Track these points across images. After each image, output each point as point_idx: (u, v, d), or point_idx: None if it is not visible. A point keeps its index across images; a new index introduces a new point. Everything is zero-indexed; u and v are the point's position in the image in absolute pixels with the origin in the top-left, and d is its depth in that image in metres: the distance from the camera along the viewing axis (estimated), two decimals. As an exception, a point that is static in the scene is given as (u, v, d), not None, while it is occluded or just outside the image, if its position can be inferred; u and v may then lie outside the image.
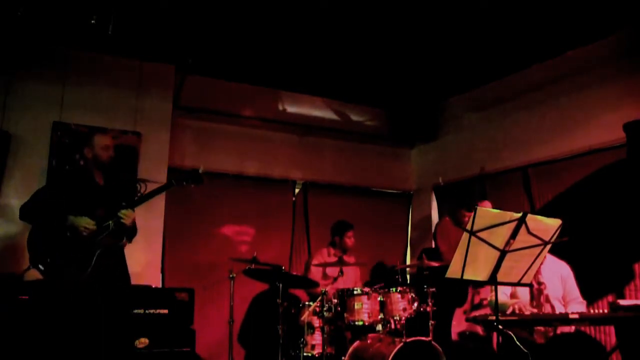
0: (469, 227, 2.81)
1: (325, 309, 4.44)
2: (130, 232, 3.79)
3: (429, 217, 6.99)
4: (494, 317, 3.02)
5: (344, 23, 4.89)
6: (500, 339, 3.11)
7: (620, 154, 4.66)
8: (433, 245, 6.76)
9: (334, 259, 5.39)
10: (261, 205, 6.26)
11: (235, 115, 6.24)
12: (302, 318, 4.56)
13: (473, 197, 5.52)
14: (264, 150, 6.44)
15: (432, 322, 4.43)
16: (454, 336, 4.91)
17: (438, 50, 5.40)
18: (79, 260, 3.55)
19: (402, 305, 4.48)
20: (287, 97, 6.59)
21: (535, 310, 3.67)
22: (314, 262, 5.41)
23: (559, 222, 2.95)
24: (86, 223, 3.56)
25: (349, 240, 5.47)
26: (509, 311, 3.49)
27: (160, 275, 5.51)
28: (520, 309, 3.51)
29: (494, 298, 2.99)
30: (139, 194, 3.84)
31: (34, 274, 3.68)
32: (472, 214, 2.79)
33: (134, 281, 4.13)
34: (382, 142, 7.20)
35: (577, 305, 3.80)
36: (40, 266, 3.55)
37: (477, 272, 2.94)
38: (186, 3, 4.57)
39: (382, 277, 5.86)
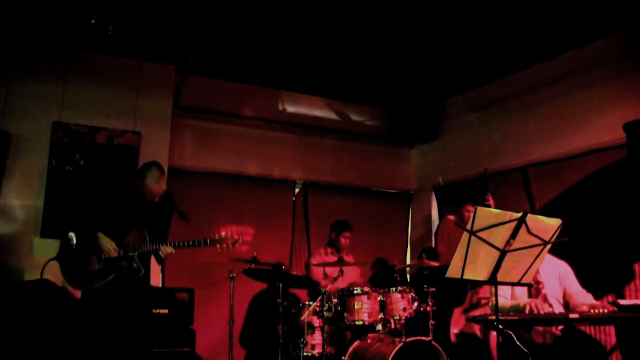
0: (469, 226, 2.81)
1: (325, 308, 4.44)
2: (161, 259, 3.80)
3: (429, 217, 6.99)
4: (493, 317, 3.02)
5: (344, 23, 4.89)
6: (500, 338, 3.10)
7: (620, 154, 4.66)
8: (433, 245, 6.76)
9: (332, 259, 5.39)
10: (261, 205, 6.26)
11: (235, 115, 6.24)
12: (302, 318, 4.56)
13: (474, 196, 5.51)
14: (264, 150, 6.44)
15: (432, 322, 4.43)
16: (452, 336, 4.92)
17: (438, 50, 5.40)
18: (95, 274, 3.56)
19: (402, 305, 4.48)
20: (287, 97, 6.59)
21: (551, 310, 3.61)
22: (313, 261, 5.41)
23: (559, 222, 2.94)
24: (110, 248, 3.59)
25: (344, 240, 5.48)
26: (527, 311, 3.43)
27: (160, 275, 5.50)
28: (537, 308, 3.44)
29: (494, 298, 2.98)
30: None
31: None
32: (474, 209, 2.78)
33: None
34: (382, 142, 7.20)
35: (584, 297, 3.75)
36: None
37: (477, 272, 2.94)
38: (186, 3, 4.57)
39: (382, 273, 5.86)
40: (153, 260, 3.88)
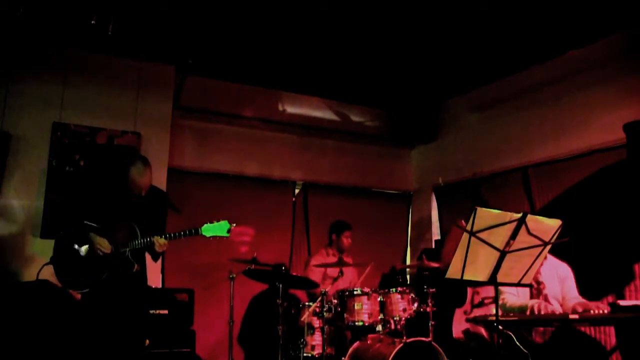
0: (469, 227, 2.81)
1: (325, 309, 4.44)
2: (157, 254, 3.75)
3: (429, 217, 6.99)
4: (493, 317, 3.02)
5: (344, 23, 4.89)
6: (501, 339, 3.10)
7: (621, 155, 4.66)
8: (433, 246, 6.75)
9: (333, 259, 5.39)
10: (261, 206, 6.25)
11: (235, 115, 6.24)
12: (302, 318, 4.56)
13: (473, 198, 5.51)
14: (264, 150, 6.43)
15: (432, 323, 4.43)
16: (455, 335, 4.91)
17: (438, 50, 5.40)
18: (87, 275, 3.55)
19: (402, 305, 4.48)
20: (287, 98, 6.59)
21: (559, 310, 3.58)
22: (314, 262, 5.40)
23: (559, 223, 2.94)
24: (102, 245, 3.56)
25: (346, 239, 5.48)
26: (536, 311, 3.41)
27: (160, 275, 5.50)
28: (545, 309, 3.42)
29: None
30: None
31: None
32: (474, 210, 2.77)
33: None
34: (382, 143, 7.20)
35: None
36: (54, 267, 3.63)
37: (477, 272, 2.93)
38: (186, 4, 4.57)
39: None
40: (149, 261, 3.86)
